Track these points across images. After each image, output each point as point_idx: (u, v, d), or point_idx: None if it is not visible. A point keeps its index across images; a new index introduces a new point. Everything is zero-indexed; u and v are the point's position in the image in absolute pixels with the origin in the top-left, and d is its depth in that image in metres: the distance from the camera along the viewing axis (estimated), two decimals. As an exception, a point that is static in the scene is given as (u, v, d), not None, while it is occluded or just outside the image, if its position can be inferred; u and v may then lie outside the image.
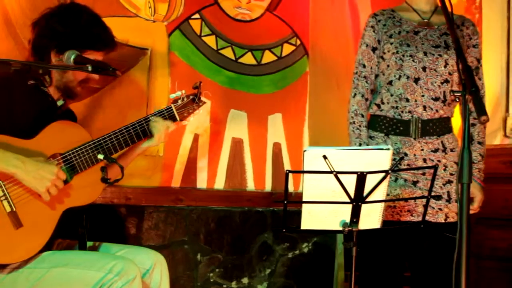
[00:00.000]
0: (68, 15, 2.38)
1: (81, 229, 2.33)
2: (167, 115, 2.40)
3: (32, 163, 2.11)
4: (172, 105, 2.41)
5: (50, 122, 2.26)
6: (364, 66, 2.70)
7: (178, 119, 2.41)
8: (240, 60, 3.52)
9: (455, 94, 1.84)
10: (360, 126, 2.65)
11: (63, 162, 2.24)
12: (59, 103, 2.41)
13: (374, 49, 2.69)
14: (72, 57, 2.17)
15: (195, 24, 3.43)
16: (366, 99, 2.68)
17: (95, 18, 2.42)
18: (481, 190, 2.64)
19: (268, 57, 3.58)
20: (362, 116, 2.66)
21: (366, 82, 2.68)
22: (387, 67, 2.65)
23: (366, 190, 2.02)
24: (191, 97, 2.43)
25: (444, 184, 2.59)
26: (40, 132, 2.23)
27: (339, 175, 1.98)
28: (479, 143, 2.68)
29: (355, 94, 2.69)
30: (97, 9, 3.08)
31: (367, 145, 2.62)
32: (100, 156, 2.28)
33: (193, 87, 2.46)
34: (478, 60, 2.71)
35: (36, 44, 2.36)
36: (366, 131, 2.65)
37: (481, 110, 1.74)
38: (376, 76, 2.70)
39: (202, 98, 2.48)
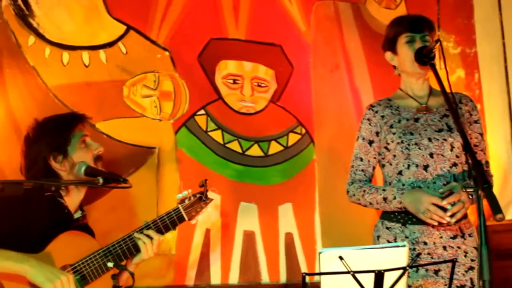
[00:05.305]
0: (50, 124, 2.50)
1: None
2: (175, 216, 2.40)
3: (45, 265, 2.11)
4: (179, 206, 2.42)
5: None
6: (361, 159, 2.71)
7: (186, 219, 2.42)
8: (247, 153, 3.54)
9: (468, 190, 1.84)
10: (370, 189, 2.61)
11: (73, 273, 2.23)
12: (76, 215, 2.43)
13: (370, 142, 2.70)
14: (83, 168, 2.20)
15: (201, 120, 3.48)
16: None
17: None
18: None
19: (274, 147, 3.60)
20: (366, 185, 2.64)
21: (364, 175, 2.70)
22: (393, 157, 2.64)
23: (385, 287, 1.99)
24: (198, 195, 2.44)
25: (466, 271, 2.52)
26: (49, 244, 2.23)
27: (356, 275, 1.96)
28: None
29: (352, 182, 2.69)
30: (104, 112, 3.20)
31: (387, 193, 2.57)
32: (110, 264, 2.27)
33: (199, 185, 2.48)
34: (481, 135, 2.72)
35: (31, 154, 2.43)
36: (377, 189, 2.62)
37: (495, 208, 1.72)
38: (383, 166, 2.71)
39: (209, 195, 2.48)
